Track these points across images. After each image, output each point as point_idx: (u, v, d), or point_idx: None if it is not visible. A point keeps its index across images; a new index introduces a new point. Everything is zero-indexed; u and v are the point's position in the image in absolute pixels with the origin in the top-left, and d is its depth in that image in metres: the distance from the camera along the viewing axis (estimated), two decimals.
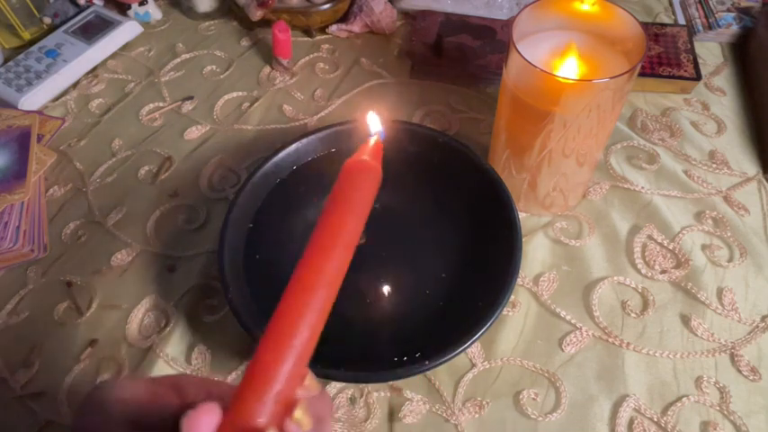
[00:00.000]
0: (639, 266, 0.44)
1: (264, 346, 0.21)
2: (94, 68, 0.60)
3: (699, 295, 0.43)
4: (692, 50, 0.56)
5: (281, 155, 0.45)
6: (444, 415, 0.38)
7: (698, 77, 0.54)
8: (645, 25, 0.56)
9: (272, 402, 0.20)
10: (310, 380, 0.21)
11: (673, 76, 0.54)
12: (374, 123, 0.30)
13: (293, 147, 0.45)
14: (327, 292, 0.22)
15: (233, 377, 0.40)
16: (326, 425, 0.22)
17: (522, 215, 0.46)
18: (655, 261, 0.44)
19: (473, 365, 0.40)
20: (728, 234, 0.46)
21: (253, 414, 0.20)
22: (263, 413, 0.20)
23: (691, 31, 0.60)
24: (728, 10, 0.61)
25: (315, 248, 0.23)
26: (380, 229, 0.42)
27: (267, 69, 0.60)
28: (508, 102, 0.40)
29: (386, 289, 0.41)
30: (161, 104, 0.57)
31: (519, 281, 0.44)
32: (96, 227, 0.48)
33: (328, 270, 0.22)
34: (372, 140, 0.27)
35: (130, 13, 0.63)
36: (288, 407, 0.21)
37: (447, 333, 0.37)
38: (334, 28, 0.62)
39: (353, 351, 0.38)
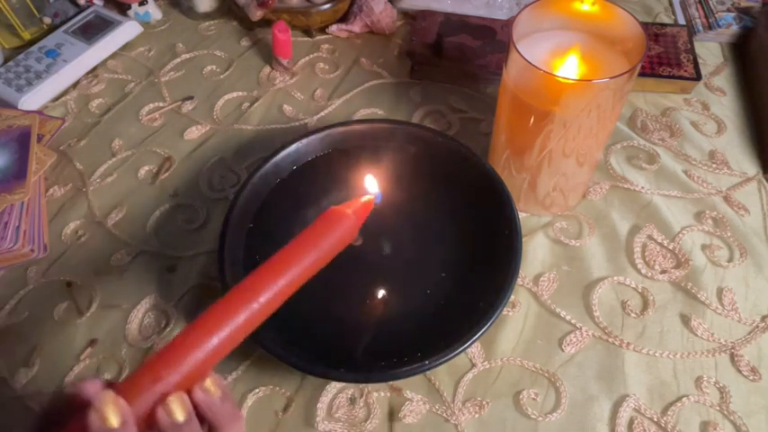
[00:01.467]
0: (639, 266, 0.44)
1: (179, 338, 0.23)
2: (94, 68, 0.60)
3: (699, 295, 0.43)
4: (692, 50, 0.56)
5: (281, 155, 0.45)
6: (444, 415, 0.38)
7: (698, 77, 0.54)
8: (645, 25, 0.56)
9: (170, 386, 0.22)
10: (211, 383, 0.23)
11: (673, 76, 0.54)
12: (372, 185, 0.33)
13: (293, 147, 0.45)
14: (251, 315, 0.24)
15: (233, 377, 0.40)
16: (226, 430, 0.23)
17: (522, 215, 0.46)
18: (655, 261, 0.44)
19: (473, 365, 0.40)
20: (728, 234, 0.46)
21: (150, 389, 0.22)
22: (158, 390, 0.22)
23: (691, 30, 0.60)
24: (728, 10, 0.61)
25: (259, 273, 0.25)
26: (380, 228, 0.43)
27: (267, 69, 0.60)
28: (508, 102, 0.40)
29: (385, 289, 0.41)
30: (161, 104, 0.57)
31: (519, 281, 0.44)
32: (96, 227, 0.48)
33: (260, 296, 0.24)
34: (365, 198, 0.29)
35: (130, 13, 0.64)
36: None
37: (447, 333, 0.37)
38: (334, 28, 0.62)
39: (353, 351, 0.38)
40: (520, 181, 0.45)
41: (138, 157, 0.53)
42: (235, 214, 0.42)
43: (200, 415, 0.23)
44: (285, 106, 0.56)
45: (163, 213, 0.49)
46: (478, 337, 0.36)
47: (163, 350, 0.23)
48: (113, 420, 0.21)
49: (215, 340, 0.23)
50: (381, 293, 0.41)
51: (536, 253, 0.45)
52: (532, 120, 0.39)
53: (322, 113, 0.56)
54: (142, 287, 0.44)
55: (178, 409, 0.22)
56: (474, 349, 0.40)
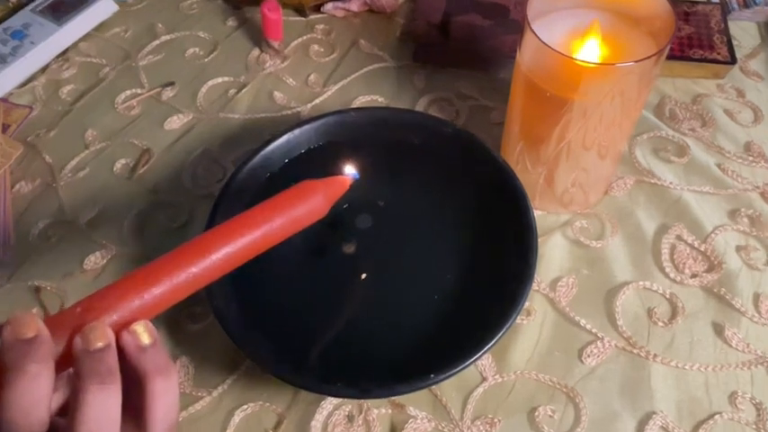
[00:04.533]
0: (667, 270, 0.44)
1: (114, 284, 0.24)
2: (65, 51, 0.60)
3: (733, 302, 0.43)
4: (725, 31, 0.56)
5: (272, 147, 0.45)
6: None
7: (732, 61, 0.54)
8: (674, 3, 0.56)
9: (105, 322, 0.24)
10: (142, 327, 0.24)
11: (704, 60, 0.54)
12: (351, 171, 0.35)
13: (285, 138, 0.45)
14: (198, 272, 0.25)
15: (219, 392, 0.40)
16: (153, 383, 0.23)
17: (537, 213, 0.45)
18: (684, 264, 0.44)
19: (483, 379, 0.40)
20: (766, 234, 0.46)
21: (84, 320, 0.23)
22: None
23: (725, 9, 0.60)
24: None
25: (217, 231, 0.27)
26: (381, 228, 0.43)
27: (256, 52, 0.60)
28: (522, 88, 0.40)
29: (386, 295, 0.41)
30: (138, 91, 0.57)
31: (534, 286, 0.43)
32: (67, 226, 0.48)
33: (212, 254, 0.26)
34: (342, 178, 0.31)
35: None
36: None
37: (454, 343, 0.37)
38: (329, 6, 0.62)
39: (351, 363, 0.38)
40: (536, 176, 0.45)
41: (114, 149, 0.53)
42: (221, 212, 0.42)
43: (124, 364, 0.23)
44: (276, 93, 0.56)
45: (141, 211, 0.49)
46: (490, 347, 0.36)
47: (95, 293, 0.24)
48: (27, 331, 0.22)
49: (155, 290, 0.24)
50: (382, 300, 0.41)
51: (553, 255, 0.45)
52: (549, 108, 0.39)
53: (316, 101, 0.56)
54: None
55: (144, 333, 0.23)
56: (485, 361, 0.40)
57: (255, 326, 0.39)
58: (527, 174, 0.44)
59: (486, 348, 0.36)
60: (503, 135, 0.48)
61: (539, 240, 0.41)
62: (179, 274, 0.25)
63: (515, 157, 0.45)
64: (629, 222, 0.47)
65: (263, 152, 0.44)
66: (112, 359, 0.23)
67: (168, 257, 0.26)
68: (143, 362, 0.23)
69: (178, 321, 0.43)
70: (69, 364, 0.23)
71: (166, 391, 0.23)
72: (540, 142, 0.42)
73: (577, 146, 0.41)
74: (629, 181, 0.49)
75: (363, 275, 0.42)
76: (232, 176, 0.43)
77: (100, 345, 0.22)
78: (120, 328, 0.24)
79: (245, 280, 0.40)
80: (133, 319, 0.24)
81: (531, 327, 0.42)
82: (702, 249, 0.45)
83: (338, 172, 0.35)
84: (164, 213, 0.49)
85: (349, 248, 0.43)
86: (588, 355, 0.41)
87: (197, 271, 0.25)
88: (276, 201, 0.29)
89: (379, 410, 0.39)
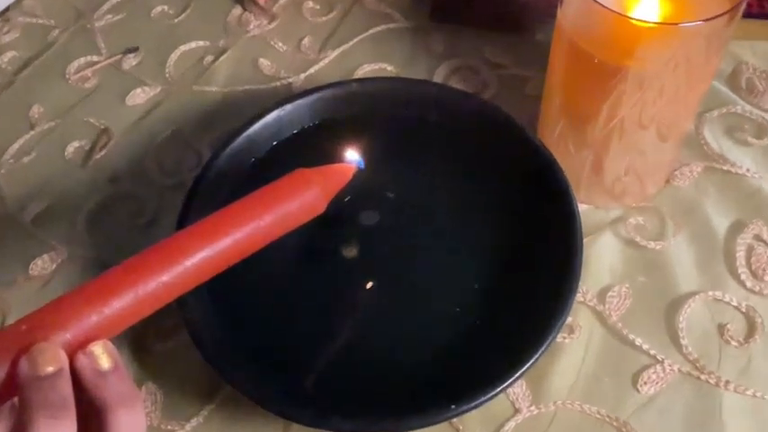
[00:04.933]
0: (743, 277, 0.44)
1: (69, 294, 0.25)
2: (5, 10, 0.60)
3: None
4: None
5: (258, 126, 0.45)
6: None
7: None
8: None
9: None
10: (101, 348, 0.24)
11: None
12: (354, 157, 0.36)
13: (273, 115, 0.45)
14: (170, 280, 0.25)
15: (192, 425, 0.40)
16: (114, 414, 0.23)
17: (582, 207, 0.45)
18: (764, 270, 0.44)
19: (516, 411, 0.40)
20: None
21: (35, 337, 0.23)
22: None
23: None
24: None
25: (193, 230, 0.27)
26: (391, 226, 0.44)
27: (238, 11, 0.60)
28: (564, 53, 0.40)
29: (396, 307, 0.41)
30: (95, 58, 0.57)
31: (579, 296, 0.43)
32: (9, 223, 0.48)
33: (186, 259, 0.26)
34: (343, 166, 0.32)
35: None
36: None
37: (481, 366, 0.37)
38: None
39: (353, 391, 0.38)
40: (580, 161, 0.44)
41: (65, 129, 0.53)
42: (196, 206, 0.42)
43: (79, 392, 0.23)
44: (262, 60, 0.56)
45: (99, 205, 0.49)
46: (523, 372, 0.36)
47: (44, 307, 0.24)
48: None
49: (116, 304, 0.24)
50: (391, 314, 0.41)
51: (602, 259, 0.45)
52: (598, 78, 0.38)
53: (311, 70, 0.55)
54: None
55: (102, 355, 0.24)
56: (517, 389, 0.40)
57: (238, 345, 0.39)
58: (570, 159, 0.44)
59: (518, 373, 0.36)
60: (540, 111, 0.48)
61: (584, 241, 0.41)
62: (145, 283, 0.25)
63: (555, 138, 0.45)
64: (695, 219, 0.47)
65: (246, 133, 0.44)
66: (65, 387, 0.23)
67: (132, 262, 0.26)
68: (102, 390, 0.23)
69: (144, 339, 0.43)
70: (14, 393, 0.23)
71: (130, 424, 0.23)
72: (586, 120, 0.42)
73: (632, 124, 0.40)
74: (696, 168, 0.49)
75: (369, 284, 0.42)
76: (209, 163, 0.43)
77: (50, 369, 0.22)
78: (75, 350, 0.24)
79: (225, 289, 0.39)
80: (90, 338, 0.24)
81: (575, 347, 0.42)
82: None
83: (338, 159, 0.36)
84: (125, 208, 0.49)
85: (351, 251, 0.43)
86: (645, 382, 0.40)
87: (168, 280, 0.25)
88: (263, 194, 0.29)
89: None
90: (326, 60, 0.56)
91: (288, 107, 0.45)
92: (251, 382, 0.37)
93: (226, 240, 0.27)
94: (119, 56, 0.57)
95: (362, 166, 0.34)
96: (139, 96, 0.55)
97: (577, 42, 0.38)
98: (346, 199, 0.43)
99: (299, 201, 0.29)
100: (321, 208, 0.30)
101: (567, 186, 0.41)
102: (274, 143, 0.45)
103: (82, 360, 0.24)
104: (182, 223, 0.41)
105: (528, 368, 0.36)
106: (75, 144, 0.52)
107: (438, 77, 0.54)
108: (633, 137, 0.42)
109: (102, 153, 0.52)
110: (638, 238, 0.46)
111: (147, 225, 0.48)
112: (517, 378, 0.36)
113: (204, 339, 0.38)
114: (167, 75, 0.56)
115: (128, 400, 0.23)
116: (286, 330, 0.40)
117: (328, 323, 0.41)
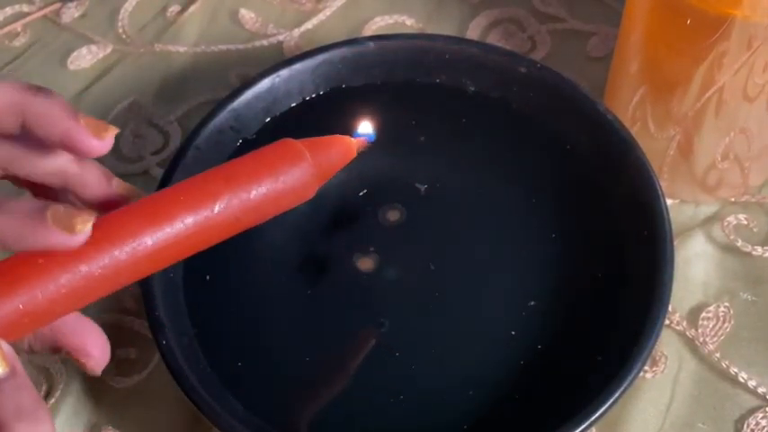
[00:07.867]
0: None
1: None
2: None
3: None
4: None
5: (244, 98, 0.42)
6: None
7: None
8: None
9: None
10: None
11: None
12: (363, 129, 0.34)
13: (266, 83, 0.42)
14: (105, 267, 0.24)
15: None
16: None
17: (667, 202, 0.41)
18: None
19: None
20: None
21: None
22: None
23: None
24: None
25: (137, 206, 0.26)
26: (419, 227, 0.41)
27: None
28: (645, 1, 0.38)
29: (425, 334, 0.39)
30: (25, 8, 0.53)
31: (665, 319, 0.39)
32: None
33: (133, 240, 0.24)
34: (343, 138, 0.30)
35: None
36: None
37: (540, 408, 0.35)
38: None
39: None
40: (664, 142, 0.42)
41: None
42: None
43: None
44: (243, 12, 0.52)
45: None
46: (595, 420, 0.32)
47: None
48: None
49: (38, 294, 0.23)
50: (418, 344, 0.38)
51: (692, 269, 0.41)
52: (692, 32, 0.36)
53: (308, 25, 0.52)
54: None
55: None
56: None
57: (223, 380, 0.36)
58: (650, 139, 0.41)
59: (588, 421, 0.32)
60: (608, 77, 0.45)
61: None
62: (65, 270, 0.23)
63: (631, 111, 0.42)
64: None
65: (230, 106, 0.41)
66: None
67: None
68: (2, 404, 0.23)
69: (101, 374, 0.39)
70: None
71: None
72: (673, 88, 0.39)
73: (735, 95, 0.38)
74: None
75: (401, 306, 0.39)
76: (185, 145, 0.40)
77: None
78: None
79: (208, 309, 0.38)
80: None
81: (659, 384, 0.38)
82: None
83: (346, 134, 0.33)
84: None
85: (366, 263, 0.40)
86: (752, 428, 0.37)
87: (88, 269, 0.24)
88: (228, 169, 0.27)
89: None
90: (328, 12, 0.52)
91: (284, 73, 0.42)
92: (238, 427, 0.33)
93: (180, 222, 0.25)
94: (56, 4, 0.53)
95: (373, 138, 0.32)
96: (85, 58, 0.51)
97: None
98: (362, 193, 0.41)
99: (280, 179, 0.27)
100: (311, 192, 0.28)
101: (650, 173, 0.38)
102: (267, 120, 0.43)
103: None
104: None
105: (603, 413, 0.32)
106: None
107: (473, 33, 0.51)
108: (735, 111, 0.39)
109: None
110: (739, 243, 0.42)
111: None
112: (587, 427, 0.32)
113: (181, 368, 0.34)
114: (120, 30, 0.52)
115: (29, 414, 0.23)
116: (281, 363, 0.38)
117: (335, 354, 0.38)
